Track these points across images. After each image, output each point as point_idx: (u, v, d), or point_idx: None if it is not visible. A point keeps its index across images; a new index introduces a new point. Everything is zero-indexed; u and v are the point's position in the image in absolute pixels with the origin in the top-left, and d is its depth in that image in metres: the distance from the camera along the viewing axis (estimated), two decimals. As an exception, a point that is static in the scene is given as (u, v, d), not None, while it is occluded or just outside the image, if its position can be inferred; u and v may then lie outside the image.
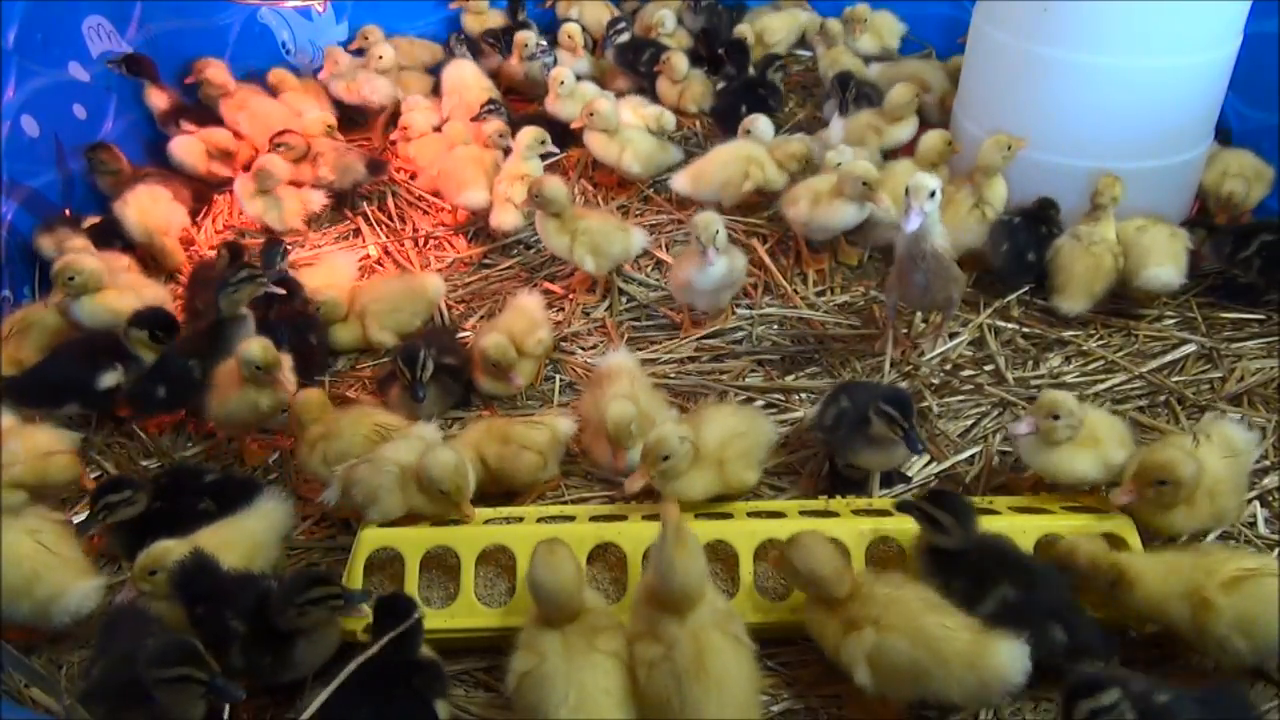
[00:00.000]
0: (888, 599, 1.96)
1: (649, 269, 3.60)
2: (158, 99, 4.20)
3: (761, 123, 3.83)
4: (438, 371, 2.89)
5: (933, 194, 2.65)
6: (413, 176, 4.27)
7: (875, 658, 1.91)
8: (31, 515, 2.41)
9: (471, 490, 2.42)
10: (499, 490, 2.62)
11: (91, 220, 3.74)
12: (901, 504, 2.18)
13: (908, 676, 1.88)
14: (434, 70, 4.80)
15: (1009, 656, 1.84)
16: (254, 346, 2.70)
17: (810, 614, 2.06)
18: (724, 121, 4.16)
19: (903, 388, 2.89)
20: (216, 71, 4.28)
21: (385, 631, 1.97)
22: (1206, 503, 2.25)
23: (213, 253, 3.80)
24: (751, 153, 3.68)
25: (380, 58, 4.56)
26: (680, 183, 3.75)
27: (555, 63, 4.50)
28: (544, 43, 4.54)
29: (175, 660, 1.83)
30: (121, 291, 3.16)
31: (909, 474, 2.70)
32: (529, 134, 3.80)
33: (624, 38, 4.53)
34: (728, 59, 4.49)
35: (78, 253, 3.21)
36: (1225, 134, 3.76)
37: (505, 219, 3.69)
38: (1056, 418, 2.36)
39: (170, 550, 2.18)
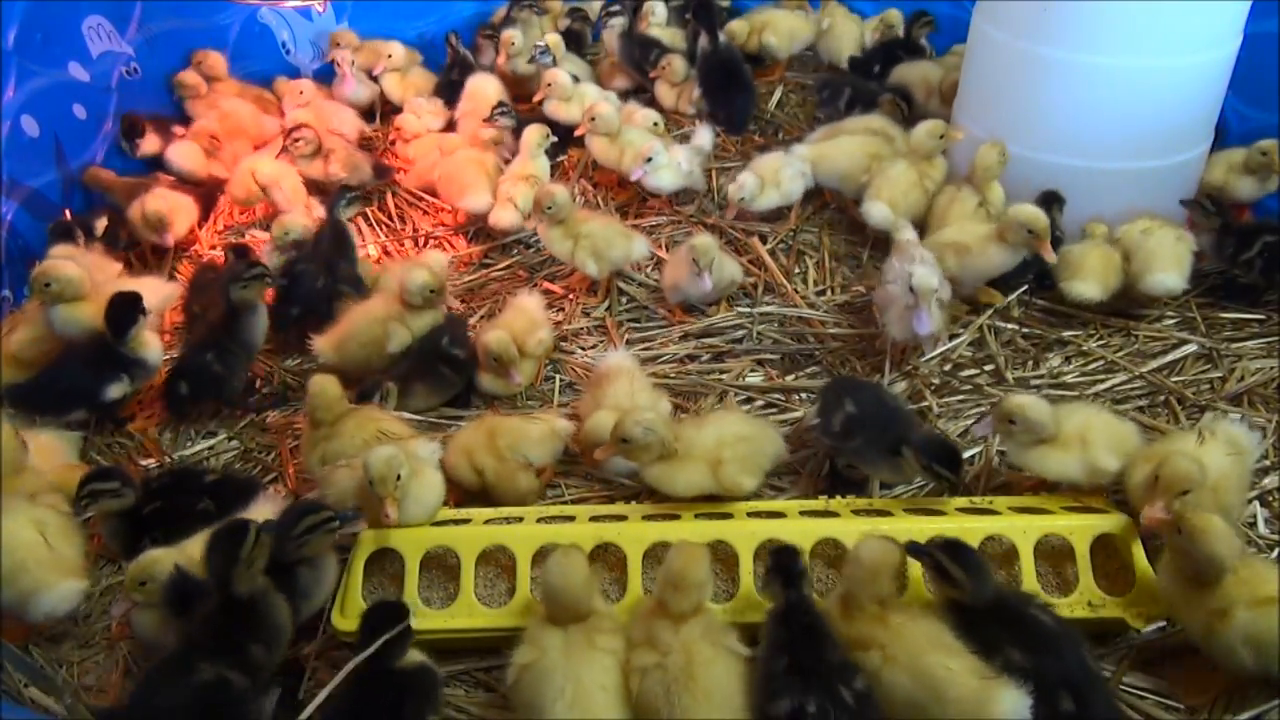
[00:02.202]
0: (898, 629, 1.93)
1: (649, 269, 3.60)
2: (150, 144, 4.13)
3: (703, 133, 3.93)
4: (437, 362, 2.89)
5: (935, 290, 2.80)
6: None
7: (875, 685, 1.90)
8: (42, 505, 2.40)
9: (429, 504, 2.35)
10: (490, 501, 2.61)
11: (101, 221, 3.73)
12: (913, 547, 2.09)
13: (905, 710, 1.88)
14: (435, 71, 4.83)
15: (1008, 709, 1.80)
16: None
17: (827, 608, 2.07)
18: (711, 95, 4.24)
19: (948, 438, 2.73)
20: (189, 74, 4.29)
21: (374, 638, 1.98)
22: (1210, 498, 2.23)
23: (214, 253, 3.81)
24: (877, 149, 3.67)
25: (389, 56, 4.59)
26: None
27: (554, 63, 4.47)
28: (543, 44, 4.52)
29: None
30: (101, 304, 3.05)
31: (909, 474, 2.70)
32: (534, 132, 3.83)
33: (619, 20, 4.49)
34: (695, 19, 4.38)
35: (59, 259, 3.16)
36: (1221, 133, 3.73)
37: (504, 217, 3.70)
38: (1012, 422, 2.38)
39: (159, 560, 2.17)
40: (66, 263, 3.10)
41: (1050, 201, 3.27)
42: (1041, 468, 2.42)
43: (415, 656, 2.04)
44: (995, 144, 3.33)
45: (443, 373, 2.95)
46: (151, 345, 2.95)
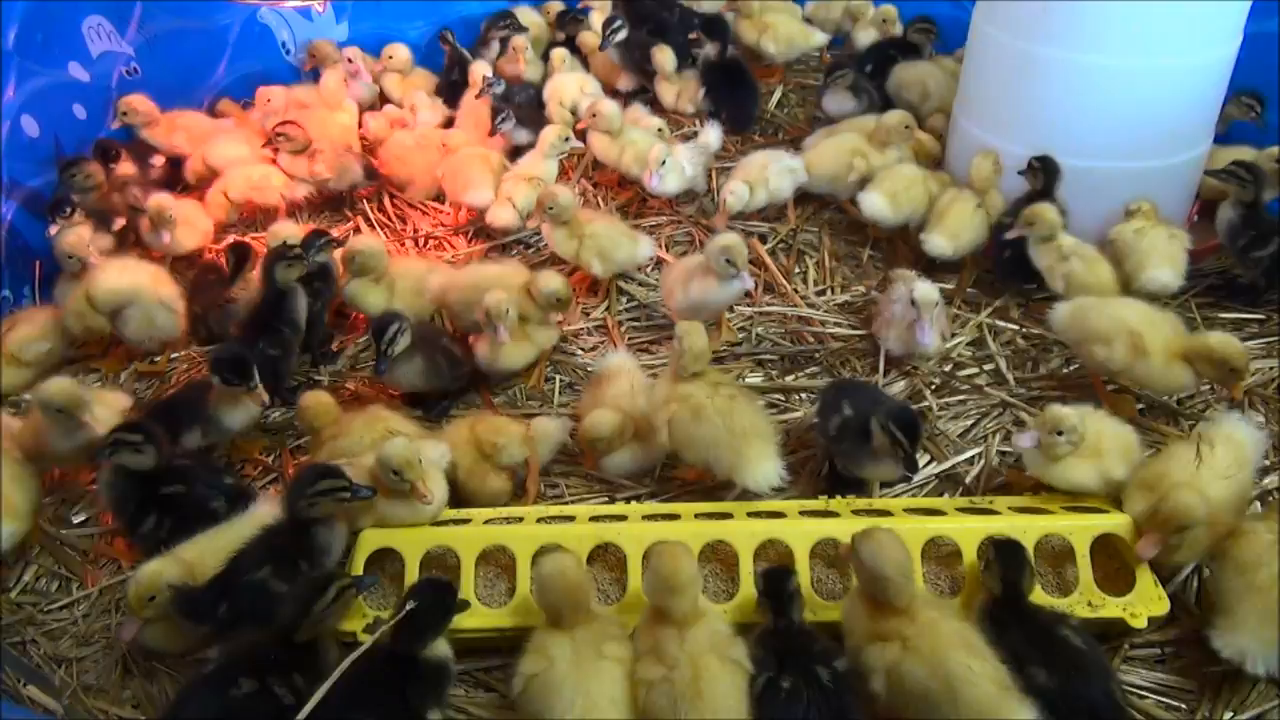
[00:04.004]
0: (927, 623, 1.93)
1: (649, 269, 3.60)
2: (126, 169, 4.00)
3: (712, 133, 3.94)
4: (433, 350, 2.89)
5: (937, 303, 2.88)
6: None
7: (893, 674, 1.90)
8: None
9: (441, 492, 2.38)
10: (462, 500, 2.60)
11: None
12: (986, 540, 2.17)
13: (920, 703, 1.87)
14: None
15: None
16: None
17: (850, 605, 2.07)
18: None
19: (911, 405, 2.70)
20: (140, 101, 4.08)
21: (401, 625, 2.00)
22: (1204, 531, 2.21)
23: (214, 254, 3.81)
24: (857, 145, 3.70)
25: (390, 58, 4.62)
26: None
27: (504, 92, 4.34)
28: (492, 75, 4.34)
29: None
30: (122, 269, 3.17)
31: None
32: (553, 132, 3.85)
33: (621, 35, 4.51)
34: (707, 36, 4.35)
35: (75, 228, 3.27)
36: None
37: (502, 216, 3.71)
38: (1059, 434, 2.35)
39: (161, 573, 2.18)
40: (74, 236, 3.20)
41: (1050, 173, 3.22)
42: (1065, 479, 2.39)
43: (439, 650, 2.04)
44: (989, 154, 3.37)
45: (438, 361, 2.92)
46: (235, 413, 2.74)
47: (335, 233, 3.37)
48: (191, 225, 3.68)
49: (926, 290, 2.88)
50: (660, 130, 4.01)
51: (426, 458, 2.39)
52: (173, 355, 3.31)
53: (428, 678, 1.99)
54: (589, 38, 4.75)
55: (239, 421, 2.76)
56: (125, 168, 3.94)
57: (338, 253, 3.31)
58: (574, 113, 4.27)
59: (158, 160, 4.12)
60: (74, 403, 2.59)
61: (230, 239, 3.88)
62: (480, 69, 4.44)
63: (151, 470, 2.44)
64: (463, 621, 2.19)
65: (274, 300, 3.02)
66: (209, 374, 2.73)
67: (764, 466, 2.42)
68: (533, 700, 1.91)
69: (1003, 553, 2.09)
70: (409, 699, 1.94)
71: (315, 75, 4.71)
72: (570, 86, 4.35)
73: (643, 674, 1.92)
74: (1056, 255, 3.11)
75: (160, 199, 3.56)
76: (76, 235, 3.28)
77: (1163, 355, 2.63)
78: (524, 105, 4.34)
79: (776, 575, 2.09)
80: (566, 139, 3.88)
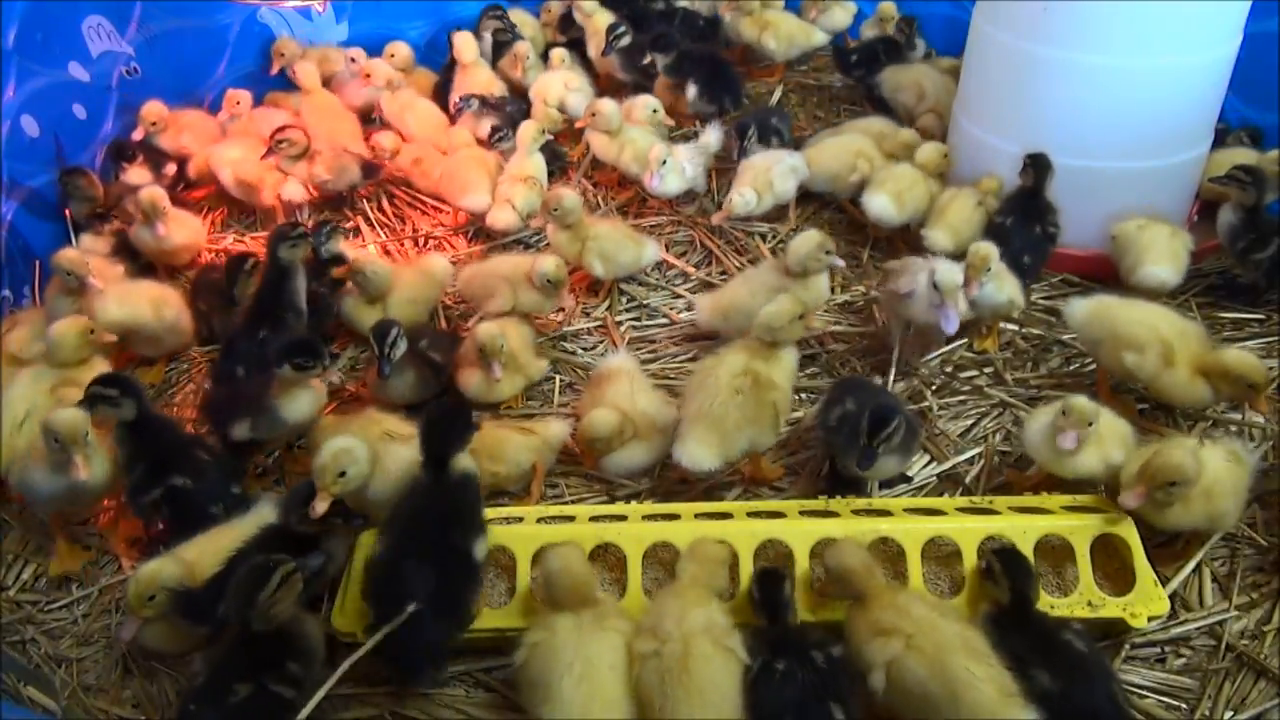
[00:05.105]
0: (927, 621, 1.93)
1: (648, 269, 3.59)
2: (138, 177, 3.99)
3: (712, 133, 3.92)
4: (419, 363, 2.88)
5: (959, 286, 2.79)
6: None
7: (893, 671, 1.90)
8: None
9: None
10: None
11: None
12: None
13: (918, 702, 1.87)
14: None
15: None
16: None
17: (849, 611, 2.08)
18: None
19: (898, 403, 2.63)
20: (161, 107, 4.10)
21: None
22: (1203, 501, 2.24)
23: (215, 255, 3.81)
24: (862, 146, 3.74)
25: (392, 55, 4.61)
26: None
27: (479, 110, 4.28)
28: (459, 98, 4.30)
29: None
30: (123, 298, 3.11)
31: (909, 474, 2.70)
32: (531, 127, 3.84)
33: (625, 41, 4.51)
34: (654, 50, 4.43)
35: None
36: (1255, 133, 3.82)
37: (501, 218, 3.70)
38: (1090, 424, 2.34)
39: (159, 572, 2.18)
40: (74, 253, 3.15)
41: (1041, 169, 3.22)
42: (1074, 466, 2.38)
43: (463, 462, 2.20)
44: (994, 178, 3.42)
45: (424, 372, 2.91)
46: (296, 402, 2.62)
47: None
48: (183, 222, 3.66)
49: (949, 272, 2.74)
50: (654, 111, 4.02)
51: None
52: (172, 358, 3.31)
53: (458, 494, 2.12)
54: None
55: (299, 413, 2.62)
56: (132, 174, 3.91)
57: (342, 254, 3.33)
58: (561, 110, 4.29)
59: (169, 169, 4.09)
60: (73, 438, 2.37)
61: (230, 238, 3.91)
62: (461, 39, 4.42)
63: (166, 445, 2.47)
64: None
65: (276, 280, 3.02)
66: (273, 366, 2.57)
67: (697, 451, 2.41)
68: (533, 667, 1.92)
69: (1009, 563, 2.08)
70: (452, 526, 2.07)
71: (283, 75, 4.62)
72: (555, 85, 4.35)
73: (637, 647, 1.94)
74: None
75: (152, 190, 3.52)
76: (76, 252, 3.21)
77: (1187, 369, 2.58)
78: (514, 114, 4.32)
79: (771, 581, 2.09)
80: (543, 130, 3.88)
